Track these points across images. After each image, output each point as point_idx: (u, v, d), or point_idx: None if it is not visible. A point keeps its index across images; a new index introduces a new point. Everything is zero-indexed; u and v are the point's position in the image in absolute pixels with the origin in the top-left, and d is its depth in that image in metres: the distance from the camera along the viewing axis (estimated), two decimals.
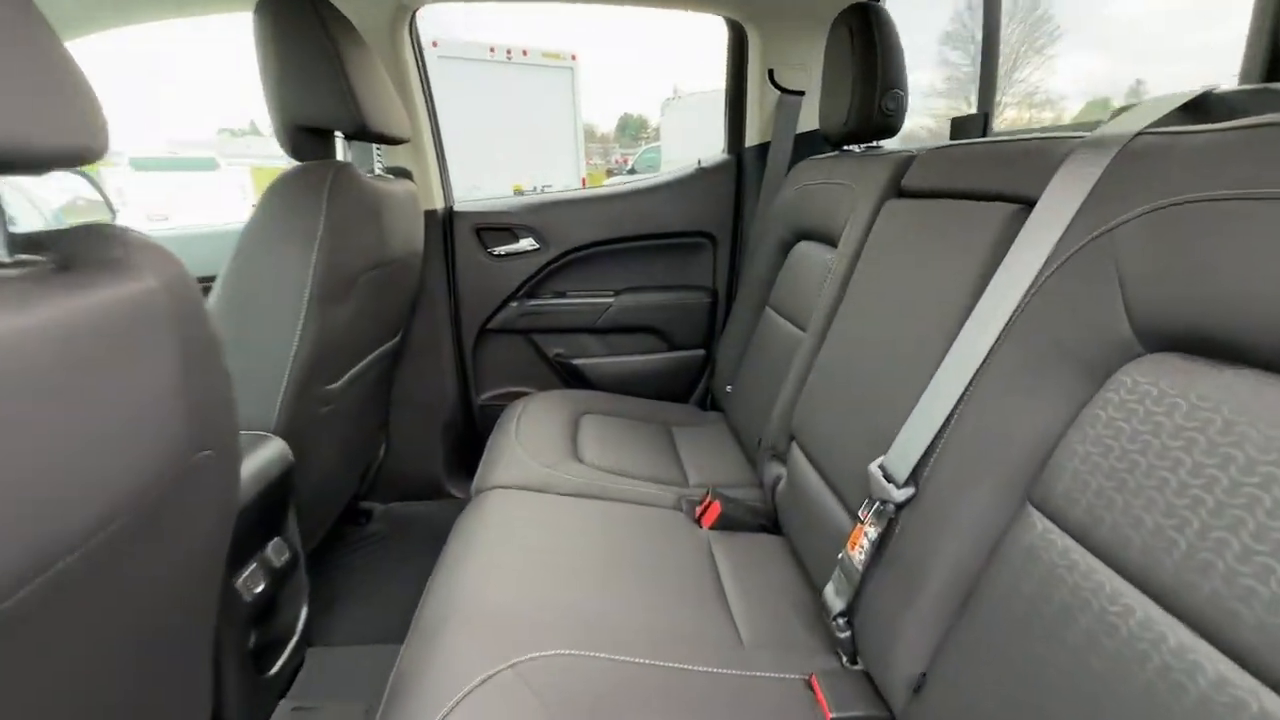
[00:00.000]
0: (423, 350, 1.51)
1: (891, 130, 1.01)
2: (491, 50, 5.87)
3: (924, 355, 0.67)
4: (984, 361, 0.57)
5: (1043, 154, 0.61)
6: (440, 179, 1.47)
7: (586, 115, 6.69)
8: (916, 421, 0.63)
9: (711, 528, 0.97)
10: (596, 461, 1.14)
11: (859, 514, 0.68)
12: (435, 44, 5.43)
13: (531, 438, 1.19)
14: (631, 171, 9.95)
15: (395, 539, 1.50)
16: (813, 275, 1.10)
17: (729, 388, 1.40)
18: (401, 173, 1.25)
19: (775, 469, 1.02)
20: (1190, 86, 0.53)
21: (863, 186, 0.96)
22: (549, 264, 1.53)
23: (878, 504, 0.65)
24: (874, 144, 1.08)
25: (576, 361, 1.59)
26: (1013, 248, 0.59)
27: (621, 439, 1.26)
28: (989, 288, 0.60)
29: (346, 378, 1.04)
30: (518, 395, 1.61)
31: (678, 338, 1.59)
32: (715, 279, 1.58)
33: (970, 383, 0.58)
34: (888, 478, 0.65)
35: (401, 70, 1.33)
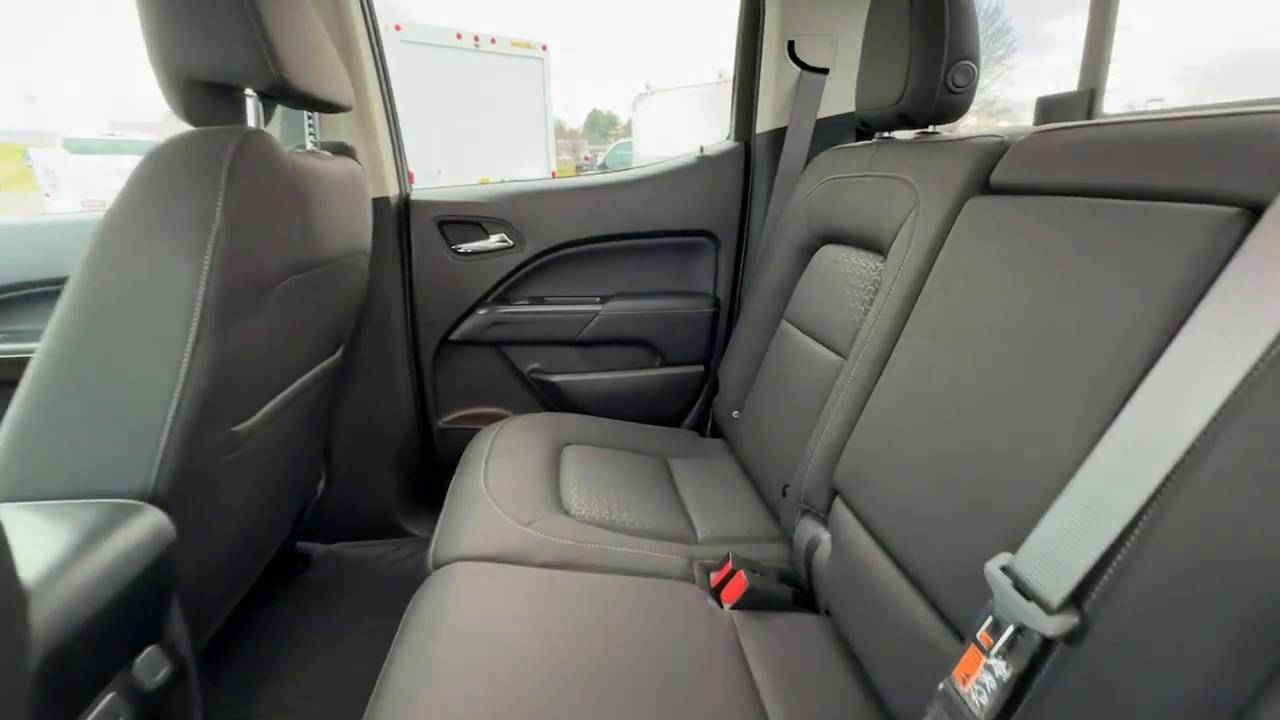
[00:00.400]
0: (372, 366, 1.27)
1: (958, 111, 0.82)
2: (459, 36, 5.56)
3: (1075, 414, 0.47)
4: (1201, 434, 0.38)
5: (1273, 138, 0.42)
6: (395, 161, 1.23)
7: (554, 110, 6.43)
8: (1072, 512, 0.44)
9: (735, 606, 0.77)
10: (585, 512, 0.93)
11: (975, 635, 0.48)
12: (399, 28, 5.11)
13: (504, 479, 0.97)
14: (603, 168, 9.69)
15: (341, 587, 1.26)
16: (851, 288, 0.91)
17: (735, 413, 1.20)
18: (343, 150, 1.01)
19: (811, 529, 0.82)
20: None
21: (930, 181, 0.77)
22: (524, 265, 1.30)
23: (1011, 631, 0.46)
24: (929, 129, 0.89)
25: (556, 379, 1.37)
26: (1233, 269, 0.40)
27: (612, 478, 1.05)
28: (1195, 325, 0.41)
29: (264, 412, 0.80)
30: (486, 418, 1.39)
31: (673, 352, 1.39)
32: (717, 285, 1.38)
33: (1177, 466, 0.39)
34: (1024, 591, 0.45)
35: (346, 29, 1.09)
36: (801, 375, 0.97)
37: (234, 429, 0.74)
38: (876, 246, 0.87)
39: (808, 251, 1.07)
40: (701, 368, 1.42)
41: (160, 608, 0.63)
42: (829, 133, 1.23)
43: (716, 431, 1.34)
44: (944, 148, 0.78)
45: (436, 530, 0.92)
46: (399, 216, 1.24)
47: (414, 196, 1.27)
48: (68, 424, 0.62)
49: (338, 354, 1.08)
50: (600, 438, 1.19)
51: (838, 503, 0.77)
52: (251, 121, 0.75)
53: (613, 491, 1.01)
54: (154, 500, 0.63)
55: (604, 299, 1.35)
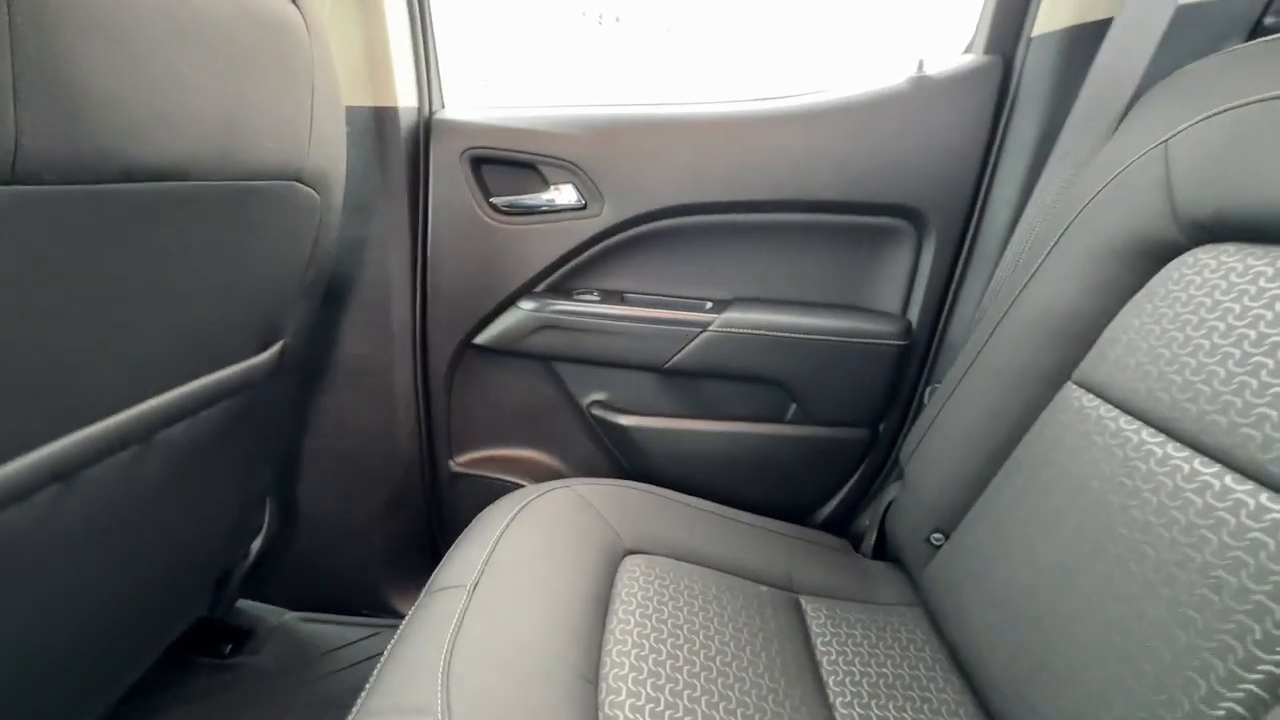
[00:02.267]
0: (358, 373, 0.84)
1: None
2: None
3: None
4: None
5: None
6: (419, 54, 0.78)
7: None
8: None
9: None
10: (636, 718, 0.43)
11: None
12: None
13: (508, 613, 0.50)
14: None
15: (284, 687, 0.84)
16: None
17: (937, 536, 0.65)
18: None
19: None
20: None
21: None
22: (600, 238, 0.82)
23: None
24: None
25: (628, 422, 0.88)
26: None
27: (701, 634, 0.55)
28: None
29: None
30: (519, 466, 0.92)
31: (822, 402, 0.85)
32: (911, 300, 0.82)
33: None
34: None
35: None
36: (1147, 524, 0.42)
37: None
38: None
39: (1154, 255, 0.50)
40: (867, 433, 0.87)
41: None
42: (1193, 33, 0.64)
43: (882, 552, 0.78)
44: None
45: (373, 677, 0.46)
46: (414, 144, 0.79)
47: (441, 115, 0.81)
48: None
49: (270, 353, 0.64)
50: (688, 541, 0.69)
51: None
52: None
53: (699, 669, 0.51)
54: None
55: (719, 305, 0.84)
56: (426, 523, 0.97)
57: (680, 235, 0.82)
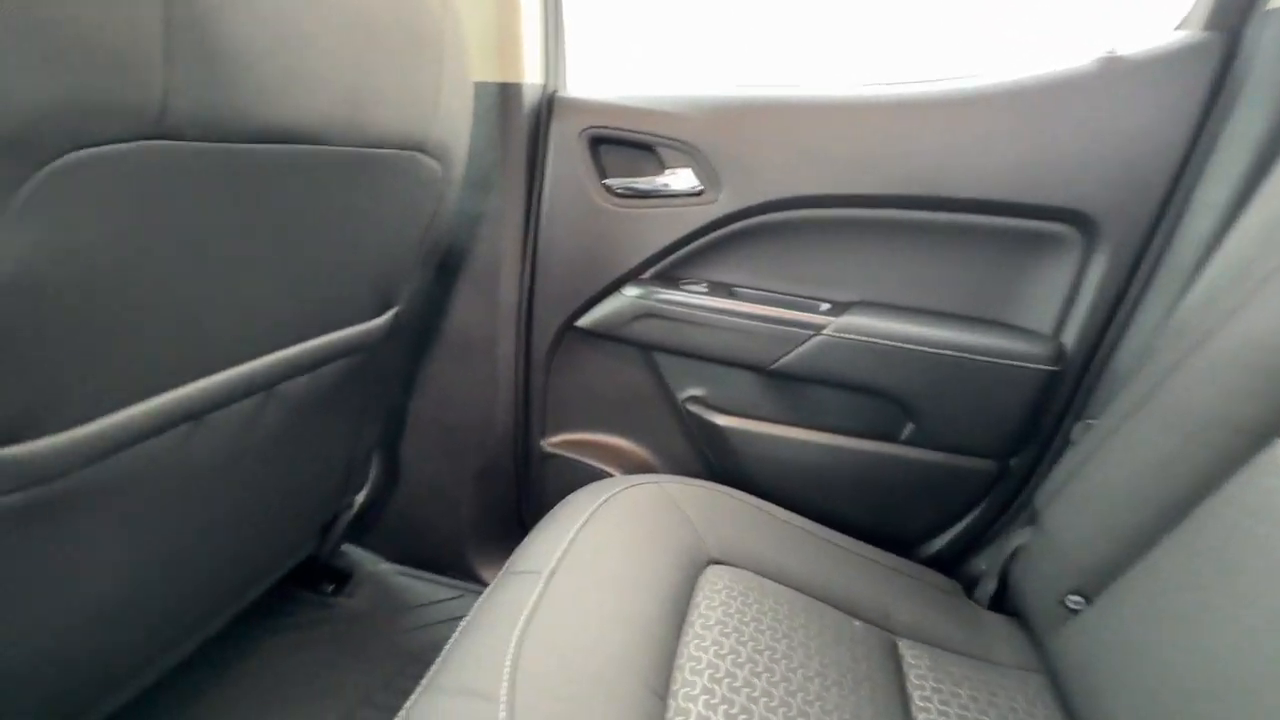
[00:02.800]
0: (465, 346, 0.86)
1: None
2: None
3: None
4: None
5: None
6: (546, 30, 0.78)
7: None
8: None
9: None
10: None
11: None
12: None
13: (578, 613, 0.48)
14: None
15: (377, 629, 0.89)
16: None
17: (1075, 599, 0.55)
18: None
19: None
20: None
21: None
22: (715, 226, 0.77)
23: None
24: None
25: (724, 422, 0.84)
26: None
27: (783, 665, 0.50)
28: None
29: (138, 413, 0.41)
30: (607, 453, 0.91)
31: (946, 425, 0.76)
32: (1068, 320, 0.71)
33: None
34: None
35: None
36: None
37: (33, 443, 0.35)
38: None
39: None
40: (994, 465, 0.77)
41: None
42: None
43: (1002, 596, 0.69)
44: None
45: (435, 666, 0.47)
46: (535, 122, 0.78)
47: (563, 94, 0.80)
48: None
49: (384, 318, 0.66)
50: (777, 558, 0.64)
51: None
52: None
53: (777, 704, 0.46)
54: None
55: (838, 308, 0.77)
56: (514, 497, 0.98)
57: (801, 229, 0.76)
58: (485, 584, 0.99)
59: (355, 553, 1.02)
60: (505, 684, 0.42)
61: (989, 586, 0.69)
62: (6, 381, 0.34)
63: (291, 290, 0.51)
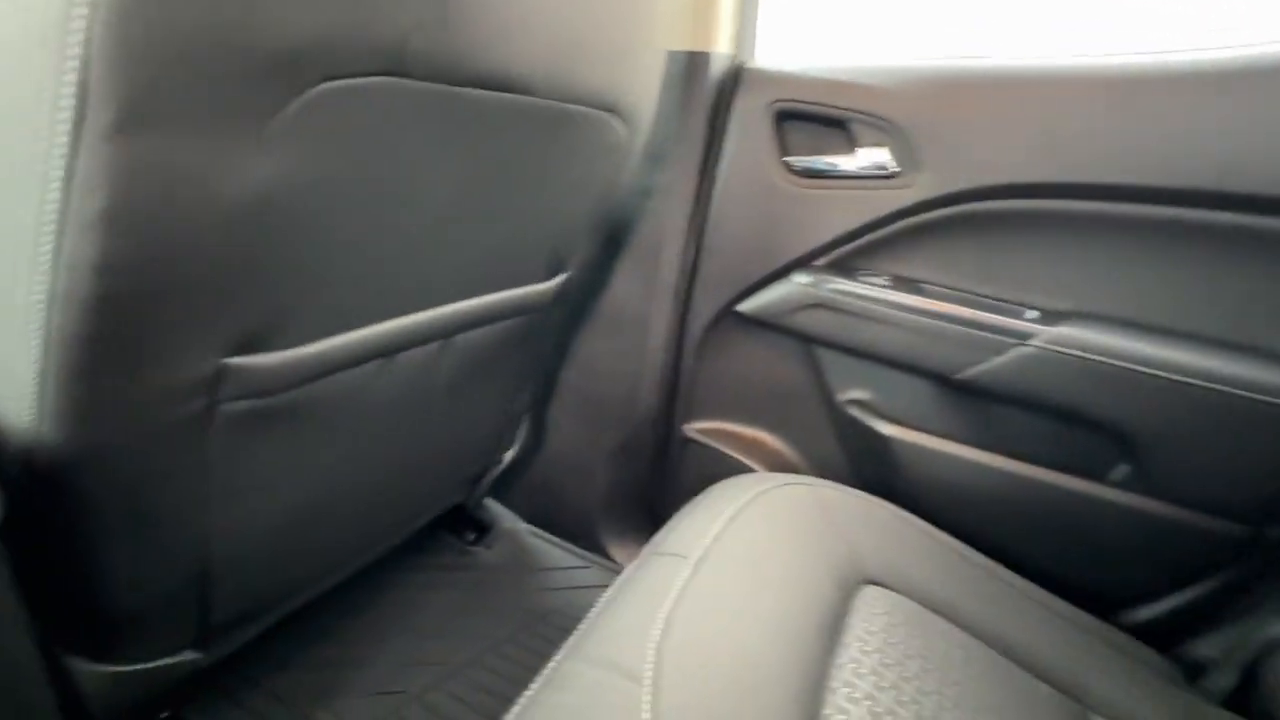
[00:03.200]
0: (618, 320, 0.86)
1: None
2: None
3: None
4: None
5: None
6: None
7: None
8: None
9: None
10: None
11: None
12: None
13: (733, 620, 0.45)
14: None
15: (509, 583, 0.93)
16: None
17: None
18: None
19: None
20: None
21: None
22: (908, 213, 0.69)
23: None
24: None
25: (890, 431, 0.76)
26: None
27: (948, 718, 0.43)
28: None
29: (342, 343, 0.45)
30: (752, 447, 0.86)
31: (1181, 471, 0.62)
32: None
33: None
34: None
35: None
36: None
37: (251, 358, 0.39)
38: None
39: None
40: (1244, 531, 0.62)
41: None
42: None
43: (1244, 699, 0.55)
44: None
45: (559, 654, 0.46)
46: (719, 93, 0.75)
47: (751, 64, 0.76)
48: None
49: (554, 282, 0.67)
50: (945, 591, 0.56)
51: None
52: None
53: None
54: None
55: (1050, 316, 0.66)
56: (648, 478, 0.97)
57: (1012, 221, 0.66)
58: (611, 559, 0.99)
59: (496, 508, 1.07)
60: (650, 666, 0.40)
61: (1225, 680, 0.55)
62: (249, 298, 0.37)
63: (482, 242, 0.52)
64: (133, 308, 0.32)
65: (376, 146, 0.37)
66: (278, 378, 0.42)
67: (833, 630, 0.49)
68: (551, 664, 0.43)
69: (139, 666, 0.50)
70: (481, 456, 0.85)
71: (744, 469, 0.86)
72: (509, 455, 0.91)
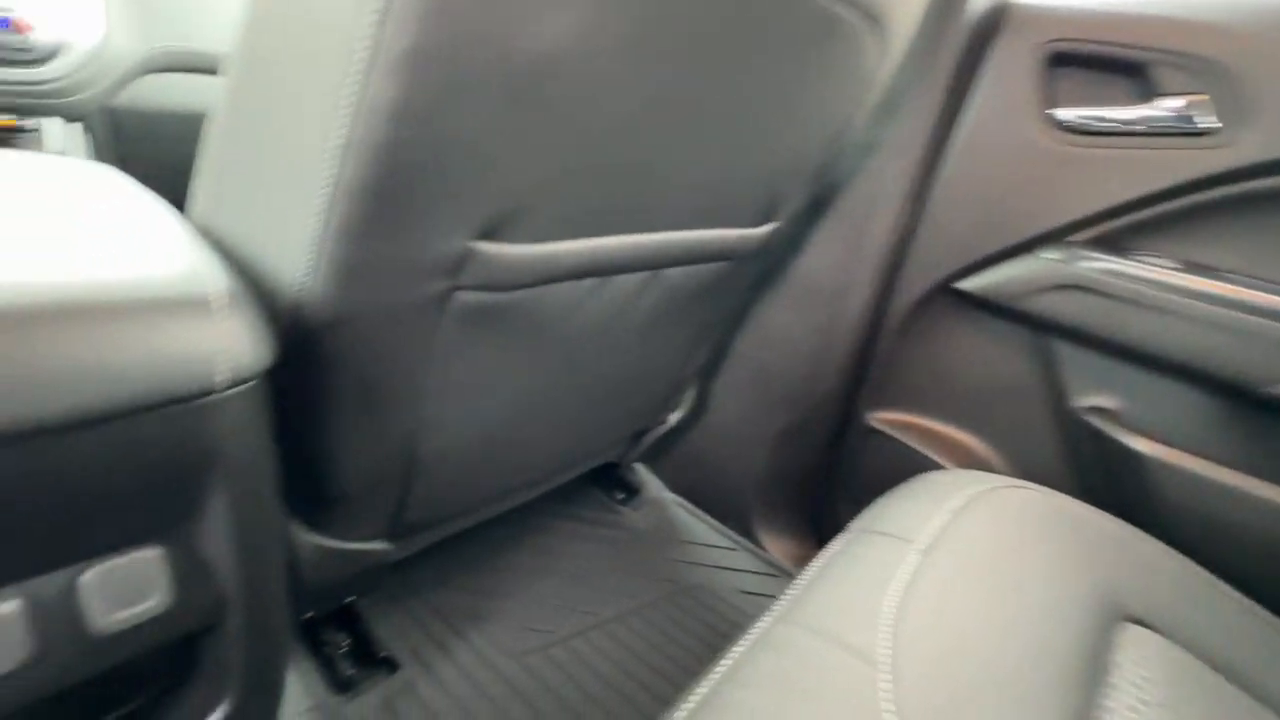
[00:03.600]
0: (807, 287, 0.79)
1: None
2: None
3: None
4: None
5: None
6: None
7: None
8: None
9: None
10: None
11: None
12: None
13: (975, 628, 0.38)
14: None
15: (651, 550, 0.91)
16: None
17: None
18: None
19: None
20: None
21: None
22: (1224, 180, 0.56)
23: None
24: None
25: (1146, 449, 0.62)
26: None
27: None
28: None
29: (560, 248, 0.43)
30: (951, 447, 0.76)
31: None
32: None
33: None
34: None
35: None
36: None
37: (482, 244, 0.38)
38: None
39: None
40: None
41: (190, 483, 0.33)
42: None
43: None
44: None
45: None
46: (974, 35, 0.65)
47: (1016, 0, 0.65)
48: (230, 190, 0.40)
49: (762, 230, 0.62)
50: (1242, 657, 0.44)
51: None
52: None
53: None
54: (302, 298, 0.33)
55: None
56: (817, 465, 0.89)
57: None
58: (760, 544, 0.93)
59: (644, 473, 1.05)
60: (887, 650, 0.34)
61: None
62: (503, 178, 0.36)
63: (708, 163, 0.49)
64: (415, 160, 0.31)
65: (643, 37, 0.35)
66: (509, 272, 0.41)
67: (1095, 667, 0.39)
68: (759, 626, 0.38)
69: (340, 545, 0.53)
70: (650, 411, 0.83)
71: (933, 466, 0.76)
72: (674, 417, 0.88)
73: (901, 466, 0.71)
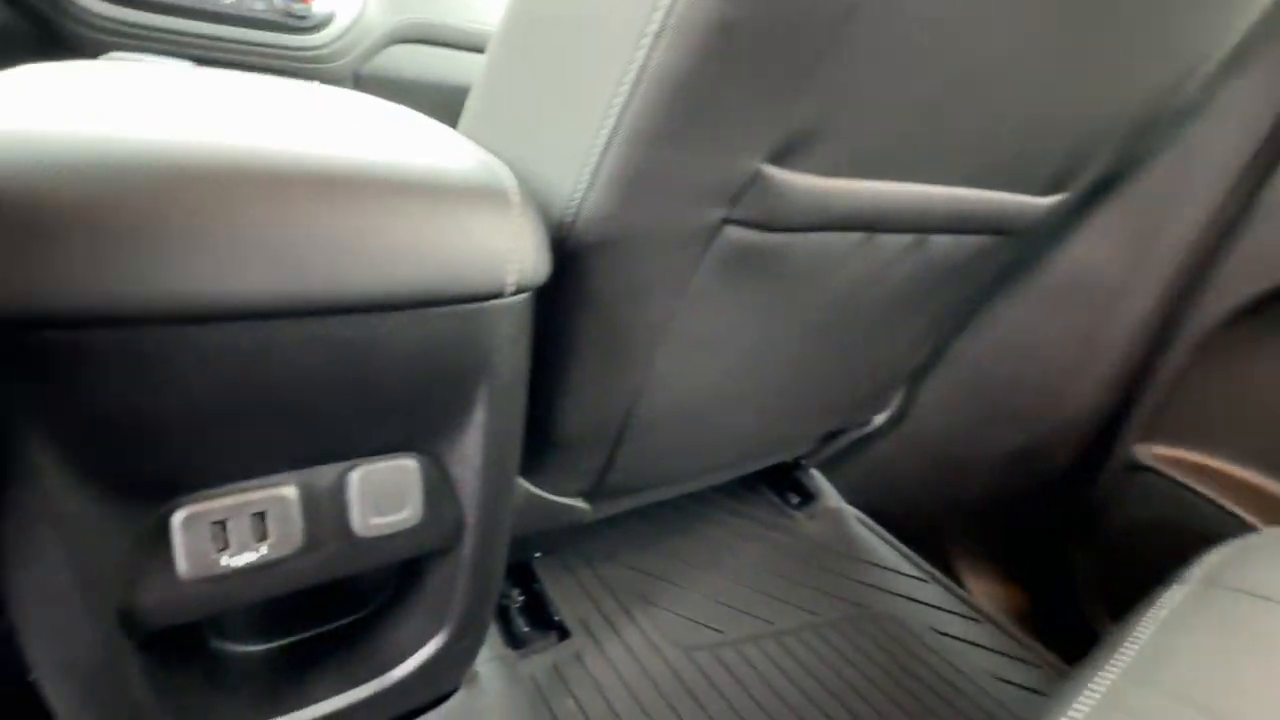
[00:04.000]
0: (1079, 282, 0.66)
1: None
2: None
3: None
4: None
5: None
6: None
7: None
8: None
9: None
10: None
11: None
12: None
13: None
14: None
15: (823, 564, 0.82)
16: None
17: None
18: None
19: None
20: None
21: None
22: None
23: None
24: None
25: None
26: None
27: None
28: None
29: (841, 185, 0.37)
30: (1246, 491, 0.59)
31: None
32: None
33: None
34: None
35: None
36: None
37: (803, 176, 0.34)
38: None
39: None
40: None
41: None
42: None
43: None
44: None
45: None
46: None
47: None
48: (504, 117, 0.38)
49: (1047, 201, 0.52)
50: None
51: None
52: None
53: None
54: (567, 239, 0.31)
55: None
56: (1054, 497, 0.75)
57: None
58: (960, 582, 0.80)
59: (820, 480, 0.95)
60: None
61: None
62: (808, 92, 0.31)
63: (1023, 101, 0.40)
64: (737, 50, 0.27)
65: None
66: (787, 207, 0.36)
67: None
68: (1102, 681, 0.29)
69: (546, 496, 0.51)
70: (851, 408, 0.74)
71: (1226, 519, 0.60)
72: (879, 419, 0.79)
73: (1180, 515, 0.57)
